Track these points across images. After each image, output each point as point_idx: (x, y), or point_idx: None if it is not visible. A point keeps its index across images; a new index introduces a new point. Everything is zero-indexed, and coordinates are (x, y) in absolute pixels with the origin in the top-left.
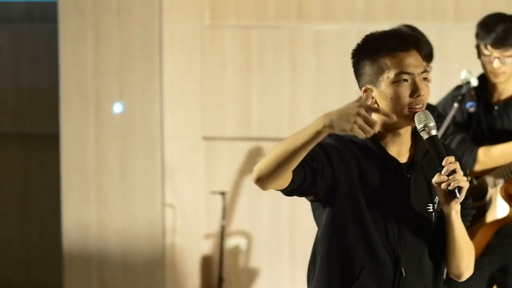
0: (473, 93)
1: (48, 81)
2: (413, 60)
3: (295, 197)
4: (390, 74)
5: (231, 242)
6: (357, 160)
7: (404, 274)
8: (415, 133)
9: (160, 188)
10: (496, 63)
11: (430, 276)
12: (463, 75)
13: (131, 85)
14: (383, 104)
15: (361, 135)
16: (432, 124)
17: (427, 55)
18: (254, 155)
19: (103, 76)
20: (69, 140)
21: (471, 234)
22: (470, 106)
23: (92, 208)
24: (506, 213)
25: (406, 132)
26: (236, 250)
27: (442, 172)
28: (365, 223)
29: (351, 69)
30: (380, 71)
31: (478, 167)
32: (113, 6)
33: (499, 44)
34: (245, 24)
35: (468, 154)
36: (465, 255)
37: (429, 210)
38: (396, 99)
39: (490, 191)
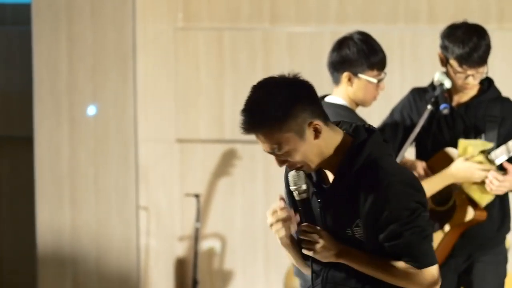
0: (446, 94)
1: (22, 84)
2: (261, 142)
3: (270, 198)
4: None
5: (205, 244)
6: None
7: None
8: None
9: (134, 190)
10: (470, 80)
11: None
12: (436, 77)
13: (105, 87)
14: None
15: None
16: (304, 187)
17: (381, 63)
18: (228, 157)
19: (77, 78)
20: (43, 142)
21: (437, 239)
22: (444, 108)
23: (66, 211)
24: (471, 216)
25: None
26: (210, 252)
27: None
28: None
29: (324, 71)
30: None
31: None
32: (87, 8)
33: (473, 63)
34: (218, 26)
35: None
36: (392, 281)
37: (348, 234)
38: None
39: (454, 196)
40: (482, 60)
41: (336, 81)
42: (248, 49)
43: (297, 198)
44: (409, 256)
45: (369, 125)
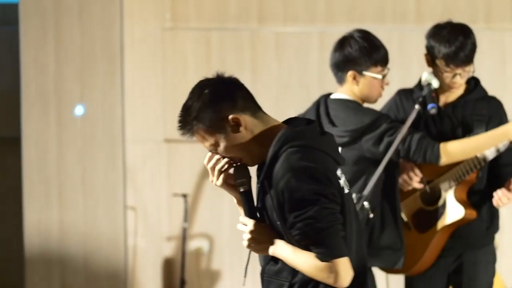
0: (434, 94)
1: (9, 84)
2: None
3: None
4: None
5: (193, 244)
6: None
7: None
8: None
9: (122, 190)
10: (458, 79)
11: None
12: (424, 77)
13: (93, 87)
14: None
15: None
16: (242, 180)
17: (384, 58)
18: None
19: (65, 78)
20: (31, 142)
21: (428, 239)
22: (432, 108)
23: (53, 211)
24: (461, 215)
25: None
26: (198, 252)
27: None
28: None
29: (312, 71)
30: None
31: (442, 161)
32: (74, 8)
33: (460, 62)
34: (206, 26)
35: (430, 151)
36: (307, 272)
37: (279, 226)
38: None
39: (444, 195)
40: (468, 59)
41: (341, 81)
42: (235, 49)
43: (240, 190)
44: (312, 247)
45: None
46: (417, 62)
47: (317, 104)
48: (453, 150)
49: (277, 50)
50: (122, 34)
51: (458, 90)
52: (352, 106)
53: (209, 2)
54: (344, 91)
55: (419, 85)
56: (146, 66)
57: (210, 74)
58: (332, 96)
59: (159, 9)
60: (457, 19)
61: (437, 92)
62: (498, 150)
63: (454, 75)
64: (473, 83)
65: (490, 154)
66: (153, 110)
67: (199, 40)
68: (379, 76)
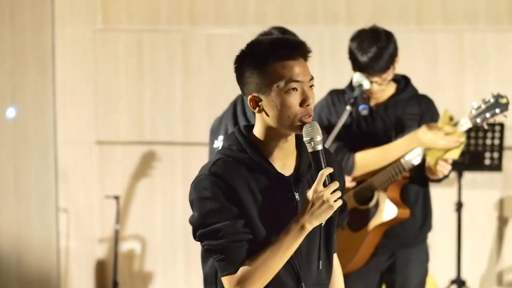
0: (365, 95)
1: None
2: (302, 68)
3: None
4: (280, 83)
5: (125, 246)
6: (247, 183)
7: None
8: (298, 143)
9: (54, 192)
10: (374, 87)
11: (327, 283)
12: (355, 78)
13: (24, 89)
14: (272, 113)
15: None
16: (319, 138)
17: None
18: (148, 159)
19: None
20: None
21: (361, 237)
22: (363, 109)
23: None
24: (394, 214)
25: (291, 142)
26: (130, 254)
27: (317, 186)
28: (262, 245)
29: None
30: (269, 79)
31: (356, 172)
32: (5, 10)
33: (374, 71)
34: (138, 28)
35: (345, 161)
36: None
37: None
38: (286, 109)
39: (377, 194)
40: (382, 68)
41: None
42: (167, 51)
43: (310, 149)
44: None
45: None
46: (348, 63)
47: (234, 104)
48: (360, 162)
49: (209, 52)
50: (53, 36)
51: (388, 90)
52: None
53: (141, 3)
54: None
55: (351, 86)
56: (77, 68)
57: (142, 76)
58: None
59: (90, 11)
60: (388, 20)
61: (369, 93)
62: (473, 122)
63: (372, 83)
64: (404, 83)
65: (416, 161)
66: (84, 112)
67: (130, 41)
68: None
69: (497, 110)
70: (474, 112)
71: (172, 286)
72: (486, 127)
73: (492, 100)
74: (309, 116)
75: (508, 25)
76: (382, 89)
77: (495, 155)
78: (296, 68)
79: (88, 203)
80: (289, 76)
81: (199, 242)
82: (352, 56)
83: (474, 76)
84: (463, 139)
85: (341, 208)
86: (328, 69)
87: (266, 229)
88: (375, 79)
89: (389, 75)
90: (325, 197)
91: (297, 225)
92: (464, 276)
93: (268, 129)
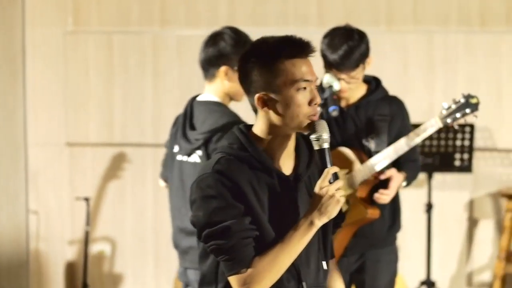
0: (335, 97)
1: None
2: (310, 68)
3: (159, 201)
4: (291, 82)
5: (95, 248)
6: (250, 181)
7: None
8: (297, 142)
9: (24, 194)
10: (343, 85)
11: (324, 285)
12: (325, 79)
13: None
14: (281, 111)
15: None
16: (326, 136)
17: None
18: (118, 160)
19: None
20: None
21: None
22: (333, 110)
23: None
24: (363, 215)
25: (292, 142)
26: (100, 255)
27: (322, 182)
28: (267, 243)
29: None
30: (280, 78)
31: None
32: None
33: (343, 68)
34: (108, 29)
35: None
36: None
37: None
38: (296, 107)
39: (348, 194)
40: (352, 66)
41: (211, 77)
42: (137, 53)
43: (316, 147)
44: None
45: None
46: (320, 65)
47: (185, 107)
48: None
49: (179, 53)
50: (23, 38)
51: (359, 91)
52: (217, 109)
53: (111, 5)
54: (213, 89)
55: (321, 87)
56: (48, 69)
57: (112, 77)
58: (198, 98)
59: (61, 13)
60: (358, 22)
61: (340, 94)
62: (390, 158)
63: (340, 81)
64: (375, 84)
65: (379, 166)
66: (55, 113)
67: (101, 43)
68: None
69: (468, 110)
70: (444, 112)
71: (141, 287)
72: (456, 127)
73: (462, 100)
74: (315, 115)
75: (479, 26)
76: (351, 88)
77: (465, 156)
78: (306, 67)
79: (58, 204)
80: (300, 75)
81: (204, 243)
82: (323, 53)
83: (444, 77)
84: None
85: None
86: None
87: (271, 227)
88: (344, 76)
89: (358, 73)
90: (331, 193)
91: (306, 221)
92: (434, 277)
93: (272, 128)
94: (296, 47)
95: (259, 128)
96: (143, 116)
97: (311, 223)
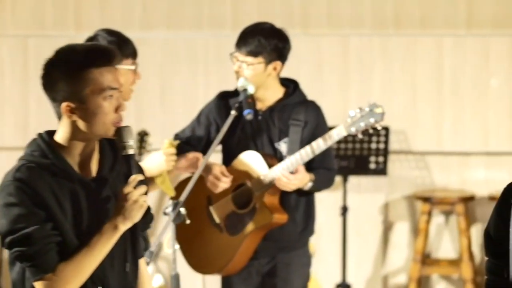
0: (250, 100)
1: None
2: (116, 76)
3: None
4: (98, 90)
5: None
6: (51, 188)
7: None
8: (101, 147)
9: None
10: (238, 65)
11: (134, 286)
12: (240, 83)
13: None
14: (88, 119)
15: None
16: (131, 142)
17: (132, 53)
18: None
19: None
20: None
21: (239, 241)
22: (248, 113)
23: None
24: (270, 219)
25: (95, 146)
26: None
27: (126, 189)
28: (71, 247)
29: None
30: (87, 86)
31: None
32: None
33: (240, 46)
34: (23, 33)
35: None
36: None
37: None
38: (103, 115)
39: (255, 199)
40: (249, 48)
41: None
42: None
43: (123, 152)
44: None
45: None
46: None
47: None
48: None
49: None
50: None
51: (276, 94)
52: None
53: (26, 9)
54: None
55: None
56: None
57: (27, 81)
58: None
59: None
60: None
61: (255, 97)
62: (288, 168)
63: (237, 62)
64: (293, 87)
65: (275, 174)
66: None
67: (16, 46)
68: (132, 67)
69: (372, 120)
70: (349, 120)
71: None
72: (371, 131)
73: (367, 109)
74: (120, 122)
75: (393, 29)
76: (247, 75)
77: (380, 159)
78: (112, 76)
79: None
80: (107, 83)
81: (8, 250)
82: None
83: (359, 81)
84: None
85: (145, 212)
86: (213, 74)
87: (74, 232)
88: (240, 56)
89: (254, 64)
90: (135, 198)
91: (111, 225)
92: (350, 280)
93: (77, 134)
94: (104, 56)
95: (62, 135)
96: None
97: (116, 227)
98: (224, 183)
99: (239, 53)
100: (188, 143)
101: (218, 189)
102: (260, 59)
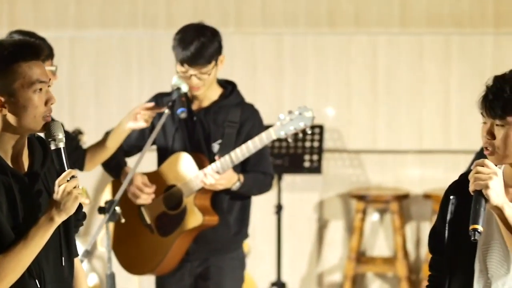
0: (183, 99)
1: None
2: (44, 69)
3: None
4: (27, 84)
5: None
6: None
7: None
8: (30, 141)
9: None
10: (194, 80)
11: (70, 281)
12: (173, 81)
13: None
14: (17, 113)
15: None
16: (61, 136)
17: (50, 54)
18: None
19: None
20: None
21: (169, 242)
22: (181, 112)
23: None
24: (199, 222)
25: (24, 140)
26: None
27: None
28: (8, 243)
29: (68, 74)
30: (16, 80)
31: None
32: None
33: (194, 63)
34: None
35: None
36: None
37: None
38: (32, 108)
39: (185, 200)
40: (203, 61)
41: None
42: None
43: (52, 147)
44: None
45: None
46: (168, 67)
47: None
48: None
49: None
50: None
51: (213, 94)
52: None
53: None
54: None
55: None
56: None
57: None
58: None
59: None
60: (207, 22)
61: (191, 97)
62: (218, 171)
63: (190, 76)
64: (230, 89)
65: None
66: None
67: None
68: (53, 68)
69: (301, 124)
70: (279, 124)
71: None
72: (300, 135)
73: (297, 113)
74: (49, 116)
75: (327, 28)
76: (205, 84)
77: (315, 157)
78: (40, 69)
79: None
80: (36, 77)
81: None
82: (175, 49)
83: (293, 80)
84: None
85: (77, 208)
86: (147, 73)
87: (10, 225)
88: (195, 72)
89: (209, 70)
90: (69, 189)
91: (47, 218)
92: (285, 278)
93: (7, 128)
94: (32, 50)
95: None
96: None
97: (51, 220)
98: (147, 194)
99: (192, 69)
100: (121, 147)
101: (140, 201)
102: (213, 63)
